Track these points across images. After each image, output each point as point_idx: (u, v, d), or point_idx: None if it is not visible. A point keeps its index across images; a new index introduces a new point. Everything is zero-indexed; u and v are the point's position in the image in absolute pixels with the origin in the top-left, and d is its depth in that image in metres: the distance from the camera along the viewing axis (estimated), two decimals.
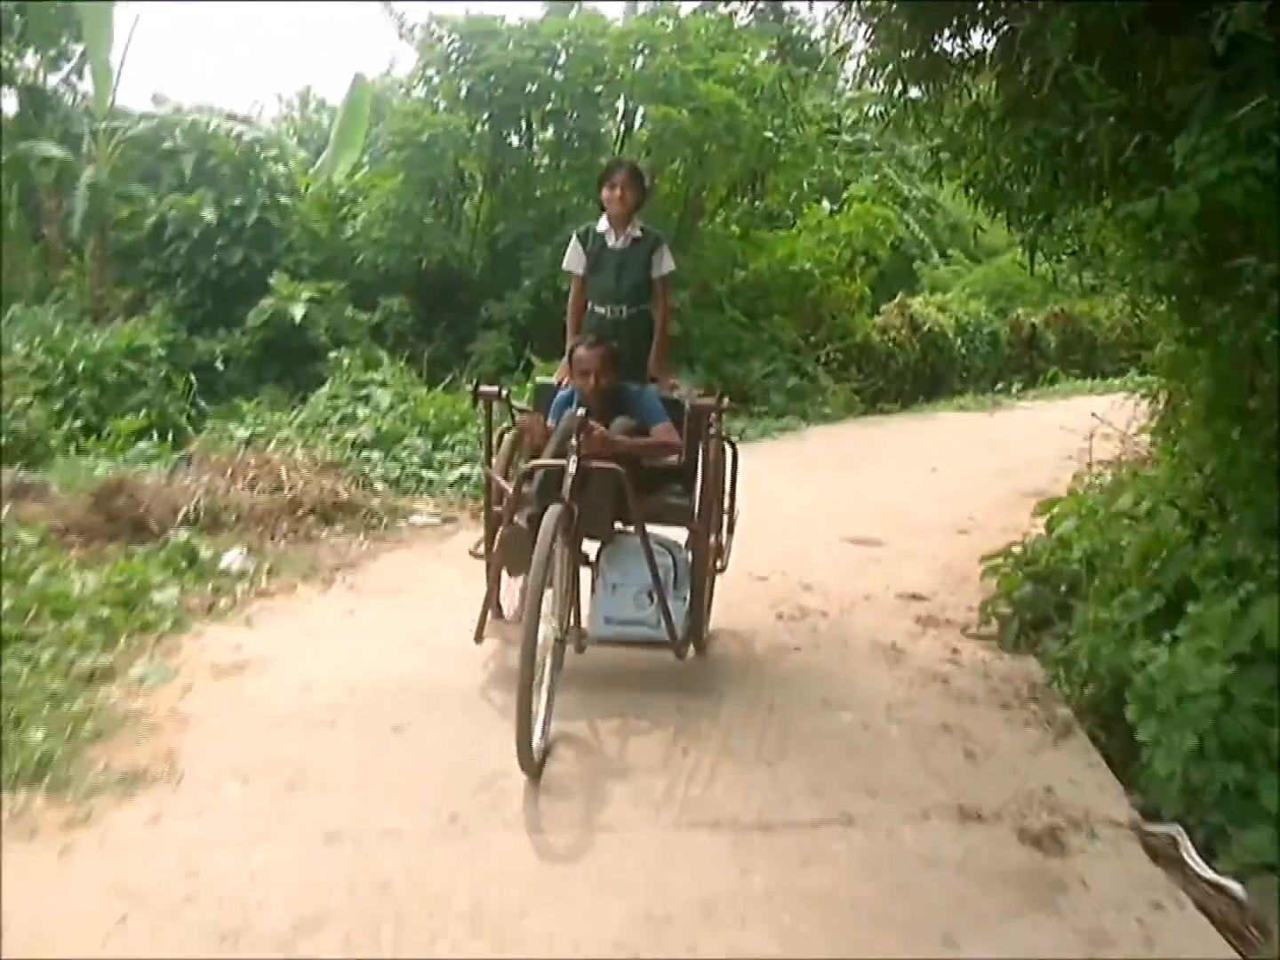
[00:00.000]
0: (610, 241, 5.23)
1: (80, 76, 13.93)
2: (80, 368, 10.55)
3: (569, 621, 4.42)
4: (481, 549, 5.05)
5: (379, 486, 8.21)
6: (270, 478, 7.35)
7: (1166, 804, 3.87)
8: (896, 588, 6.45)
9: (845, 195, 16.19)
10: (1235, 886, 3.45)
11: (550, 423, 4.84)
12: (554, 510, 4.08)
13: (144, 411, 10.40)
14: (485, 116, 13.14)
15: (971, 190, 5.67)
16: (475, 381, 5.37)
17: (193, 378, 11.16)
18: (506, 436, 5.12)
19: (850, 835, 3.59)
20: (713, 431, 4.93)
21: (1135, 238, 4.82)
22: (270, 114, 22.13)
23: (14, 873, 3.16)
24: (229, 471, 7.36)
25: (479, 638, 4.63)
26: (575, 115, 13.37)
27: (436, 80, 13.47)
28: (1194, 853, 3.64)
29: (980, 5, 5.30)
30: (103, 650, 4.86)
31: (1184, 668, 4.05)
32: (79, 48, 13.79)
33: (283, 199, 13.03)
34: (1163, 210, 3.72)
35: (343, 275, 12.76)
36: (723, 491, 5.17)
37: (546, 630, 4.06)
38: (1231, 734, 3.76)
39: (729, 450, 5.14)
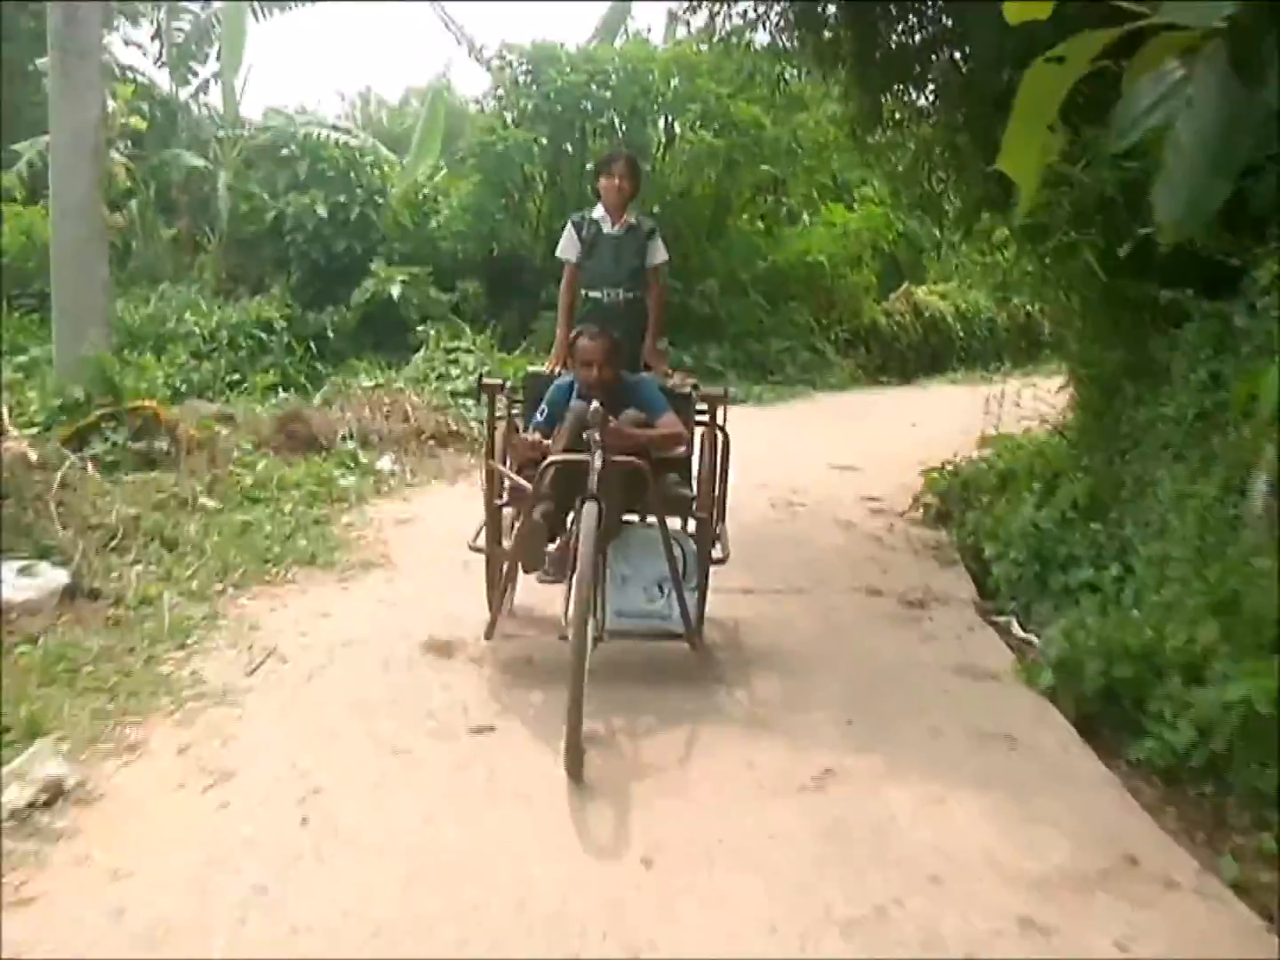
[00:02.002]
0: (606, 228, 5.39)
1: (206, 92, 16.48)
2: (223, 335, 13.08)
3: (603, 619, 4.47)
4: (481, 541, 5.03)
5: (473, 425, 10.64)
6: (399, 412, 9.82)
7: (1001, 594, 6.28)
8: (860, 494, 8.85)
9: (857, 195, 18.53)
10: (1034, 638, 5.82)
11: (544, 410, 4.80)
12: (591, 507, 4.08)
13: (272, 370, 12.91)
14: (546, 130, 15.54)
15: (917, 210, 8.06)
16: (479, 375, 5.43)
17: (312, 344, 13.64)
18: (500, 428, 5.05)
19: (802, 598, 6.02)
20: (708, 420, 4.99)
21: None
22: (333, 111, 24.52)
23: (321, 599, 5.65)
24: (367, 407, 9.82)
25: (489, 635, 4.81)
26: (624, 129, 15.76)
27: (506, 98, 15.89)
28: (1013, 620, 6.03)
29: (916, 69, 7.59)
30: (317, 508, 7.35)
31: (1019, 516, 6.47)
32: (201, 67, 16.42)
33: (378, 197, 15.47)
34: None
35: (426, 261, 15.18)
36: (722, 481, 5.11)
37: (590, 628, 4.06)
38: (1035, 546, 6.14)
39: (721, 438, 5.06)
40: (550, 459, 4.34)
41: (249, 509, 7.00)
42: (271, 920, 2.91)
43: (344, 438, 9.10)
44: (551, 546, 4.48)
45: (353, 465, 8.52)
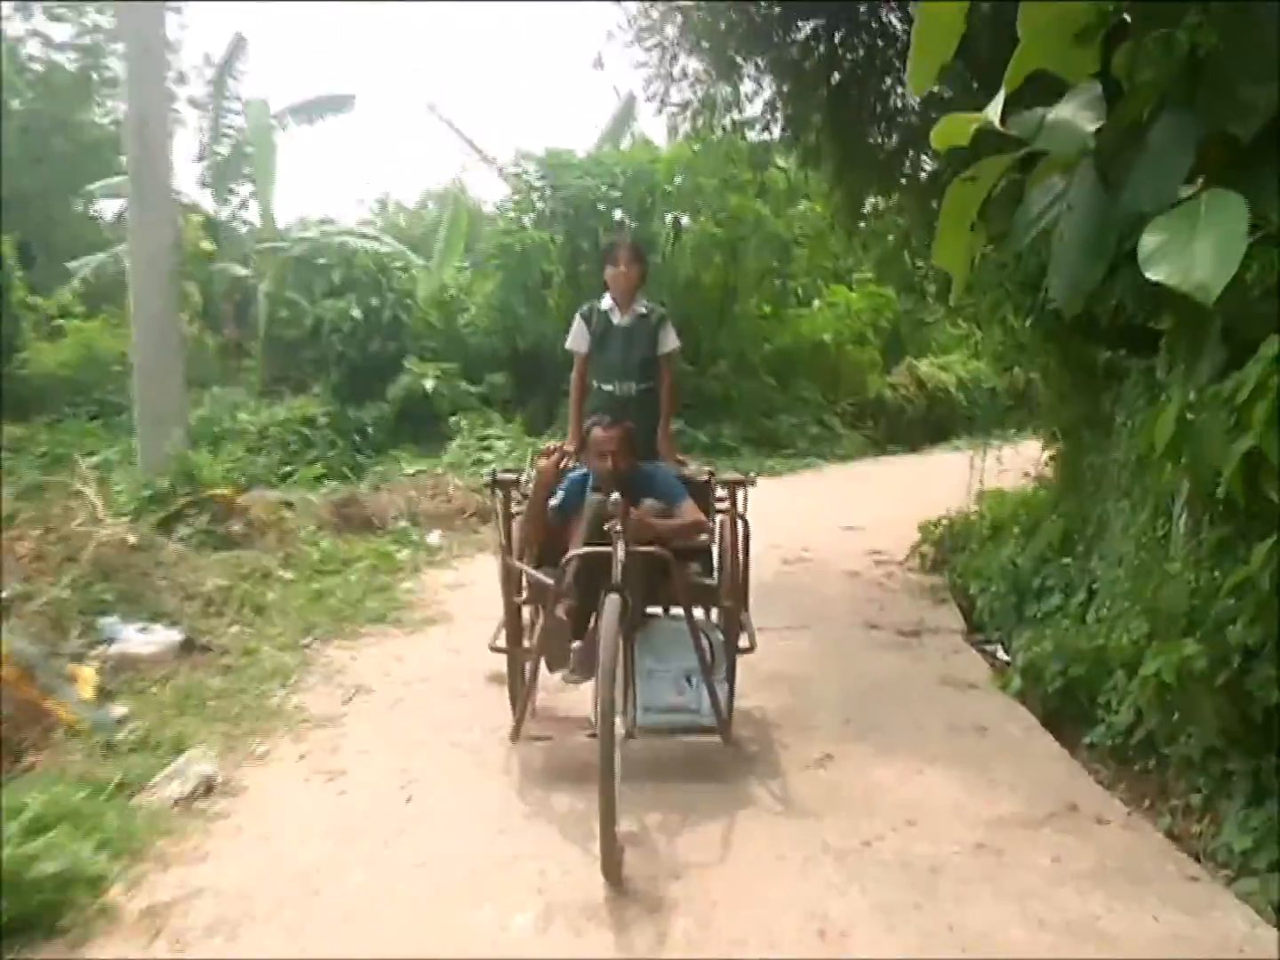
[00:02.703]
0: (615, 319, 5.23)
1: (245, 208, 17.80)
2: (270, 431, 14.16)
3: (632, 715, 4.39)
4: (501, 641, 4.85)
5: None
6: (442, 494, 10.79)
7: (986, 624, 7.13)
8: (865, 548, 9.72)
9: (856, 277, 19.63)
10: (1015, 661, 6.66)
11: (555, 502, 4.74)
12: (614, 599, 3.93)
13: (318, 462, 13.94)
14: (562, 229, 16.71)
15: (901, 291, 9.05)
16: (493, 472, 5.29)
17: (354, 437, 14.70)
18: (515, 524, 4.91)
19: (808, 632, 6.89)
20: (728, 507, 4.93)
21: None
22: (354, 216, 25.94)
23: (393, 648, 6.54)
24: (413, 490, 10.80)
25: (515, 737, 4.66)
26: (633, 225, 16.92)
27: (523, 201, 17.12)
28: (998, 646, 6.87)
29: (892, 168, 8.58)
30: (380, 577, 8.28)
31: (1000, 556, 7.35)
32: (239, 186, 17.77)
33: (408, 299, 16.64)
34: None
35: (456, 356, 16.30)
36: (743, 568, 4.97)
37: (619, 725, 3.85)
38: (1013, 581, 7.00)
39: (742, 526, 4.93)
40: (572, 553, 4.26)
41: (320, 579, 7.94)
42: (396, 863, 3.79)
43: (395, 517, 10.05)
44: (576, 644, 4.27)
45: (405, 541, 9.45)
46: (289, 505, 10.42)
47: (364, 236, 17.10)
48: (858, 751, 4.84)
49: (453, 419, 15.10)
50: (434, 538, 9.71)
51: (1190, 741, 4.46)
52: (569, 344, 5.43)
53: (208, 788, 4.39)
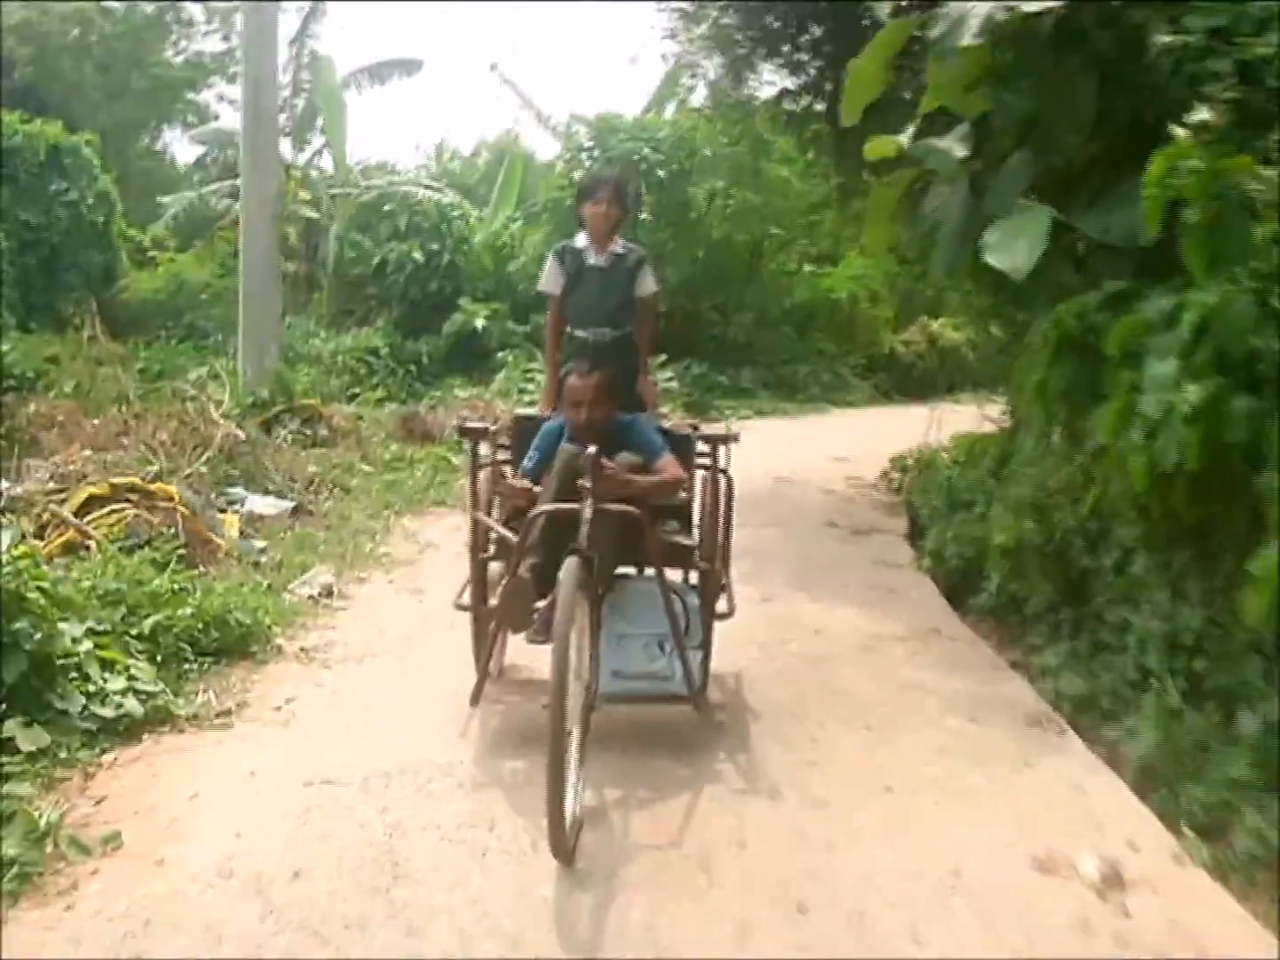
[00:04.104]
0: (590, 259, 4.91)
1: (320, 156, 19.62)
2: (338, 357, 16.03)
3: (595, 683, 4.01)
4: (467, 599, 4.65)
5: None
6: (490, 415, 12.58)
7: (925, 529, 8.87)
8: (847, 475, 11.46)
9: None
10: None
11: (533, 456, 4.47)
12: (573, 562, 3.65)
13: (379, 387, 15.79)
14: None
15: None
16: (462, 419, 4.87)
17: (411, 367, 16.55)
18: (483, 476, 4.72)
19: (780, 528, 8.65)
20: (710, 462, 4.71)
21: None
22: (412, 161, 27.67)
23: (454, 520, 8.37)
24: (465, 409, 12.62)
25: (475, 700, 4.25)
26: (672, 185, 18.58)
27: (574, 160, 18.80)
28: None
29: None
30: (439, 475, 10.13)
31: (940, 476, 9.07)
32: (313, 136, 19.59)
33: (464, 245, 18.41)
34: None
35: (505, 298, 18.06)
36: (725, 528, 4.80)
37: (575, 693, 3.58)
38: (948, 495, 8.71)
39: (725, 482, 4.76)
40: (538, 509, 4.01)
41: (391, 472, 9.81)
42: (457, 640, 5.47)
43: (449, 431, 11.87)
44: (542, 603, 3.97)
45: (459, 450, 11.27)
46: (360, 417, 12.32)
47: (427, 187, 18.85)
48: (793, 596, 6.66)
49: (500, 354, 16.91)
50: (484, 448, 11.51)
51: (1036, 600, 6.22)
52: (540, 285, 5.17)
53: (329, 592, 6.26)
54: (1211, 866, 3.46)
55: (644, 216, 19.21)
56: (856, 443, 13.78)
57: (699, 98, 14.47)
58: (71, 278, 16.34)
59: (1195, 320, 4.02)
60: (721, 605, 4.70)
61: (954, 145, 5.69)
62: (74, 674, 4.29)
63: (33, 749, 3.86)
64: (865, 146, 6.16)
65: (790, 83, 9.77)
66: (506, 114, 42.46)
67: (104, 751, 4.07)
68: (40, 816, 3.43)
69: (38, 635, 4.16)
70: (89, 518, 6.36)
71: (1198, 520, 4.33)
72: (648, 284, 4.99)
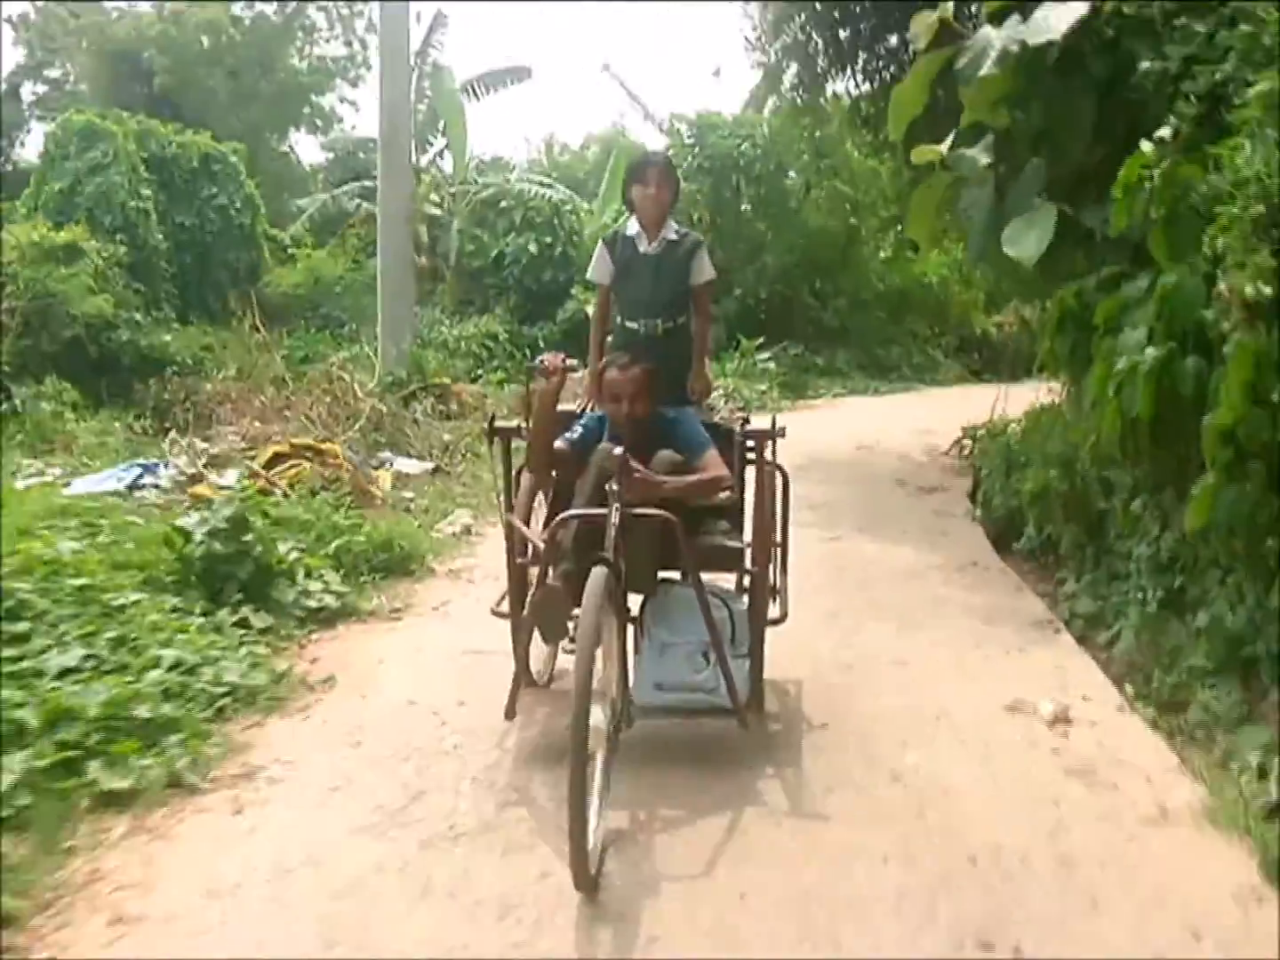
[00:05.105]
0: (642, 246, 4.62)
1: (441, 157, 21.13)
2: (461, 342, 17.52)
3: (621, 702, 3.70)
4: (505, 606, 4.51)
5: None
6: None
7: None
8: (926, 444, 12.50)
9: None
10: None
11: (577, 429, 4.32)
12: (599, 573, 3.42)
13: (499, 370, 17.21)
14: (709, 181, 19.57)
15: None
16: (491, 416, 5.03)
17: (528, 351, 17.95)
18: (525, 478, 4.55)
19: (855, 486, 9.77)
20: (759, 459, 4.33)
21: None
22: (522, 155, 29.13)
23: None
24: (579, 390, 13.92)
25: (510, 713, 4.02)
26: (769, 178, 19.70)
27: (676, 156, 20.00)
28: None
29: None
30: None
31: (1001, 441, 10.11)
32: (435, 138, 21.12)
33: (575, 237, 19.76)
34: None
35: None
36: (778, 527, 4.61)
37: (599, 714, 3.29)
38: (1006, 458, 9.74)
39: (780, 479, 4.56)
40: (564, 514, 3.84)
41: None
42: None
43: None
44: (579, 610, 3.50)
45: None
46: (485, 395, 13.74)
47: (540, 184, 20.24)
48: (857, 537, 7.82)
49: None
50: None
51: (1066, 541, 7.28)
52: (589, 274, 4.89)
53: (468, 530, 7.62)
54: (1167, 733, 4.40)
55: (744, 208, 20.41)
56: (938, 417, 14.70)
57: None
58: (221, 275, 18.07)
59: (1158, 297, 5.10)
60: (773, 610, 4.49)
61: (980, 154, 6.80)
62: (286, 577, 5.69)
63: (262, 626, 5.26)
64: (911, 152, 7.30)
65: (865, 88, 10.85)
66: (613, 110, 43.75)
67: (311, 633, 5.47)
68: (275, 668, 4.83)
69: (259, 548, 5.56)
70: (273, 470, 7.81)
71: (1161, 460, 5.42)
72: (704, 271, 4.68)
